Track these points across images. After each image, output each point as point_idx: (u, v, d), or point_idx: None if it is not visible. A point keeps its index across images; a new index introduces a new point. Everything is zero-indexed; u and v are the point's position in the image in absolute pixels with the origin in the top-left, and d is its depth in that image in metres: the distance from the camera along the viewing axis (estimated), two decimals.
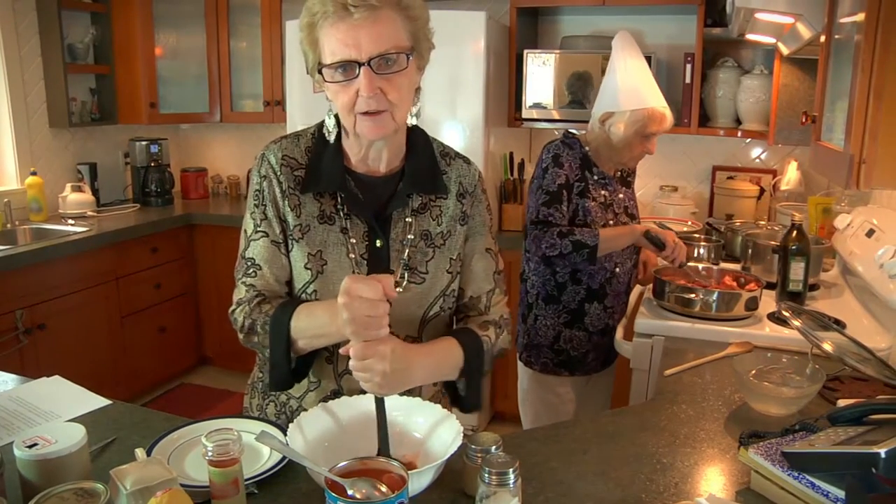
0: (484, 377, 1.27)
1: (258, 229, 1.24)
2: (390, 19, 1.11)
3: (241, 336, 1.25)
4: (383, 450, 1.07)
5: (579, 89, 3.21)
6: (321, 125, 1.27)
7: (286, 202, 1.22)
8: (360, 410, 1.16)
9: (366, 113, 1.13)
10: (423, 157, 1.28)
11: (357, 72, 1.10)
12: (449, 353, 1.21)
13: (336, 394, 1.29)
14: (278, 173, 1.23)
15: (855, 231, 2.06)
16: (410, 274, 1.25)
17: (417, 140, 1.29)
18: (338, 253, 1.23)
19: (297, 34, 1.16)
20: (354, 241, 1.23)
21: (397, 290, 1.20)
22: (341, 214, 1.23)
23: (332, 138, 1.24)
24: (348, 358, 1.14)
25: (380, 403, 1.09)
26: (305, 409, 1.29)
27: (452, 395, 1.31)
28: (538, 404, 2.27)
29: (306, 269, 1.23)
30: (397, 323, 1.18)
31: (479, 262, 1.32)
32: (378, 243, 1.23)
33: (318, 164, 1.23)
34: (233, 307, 1.26)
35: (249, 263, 1.25)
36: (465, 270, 1.32)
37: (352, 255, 1.23)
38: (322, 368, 1.28)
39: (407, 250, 1.25)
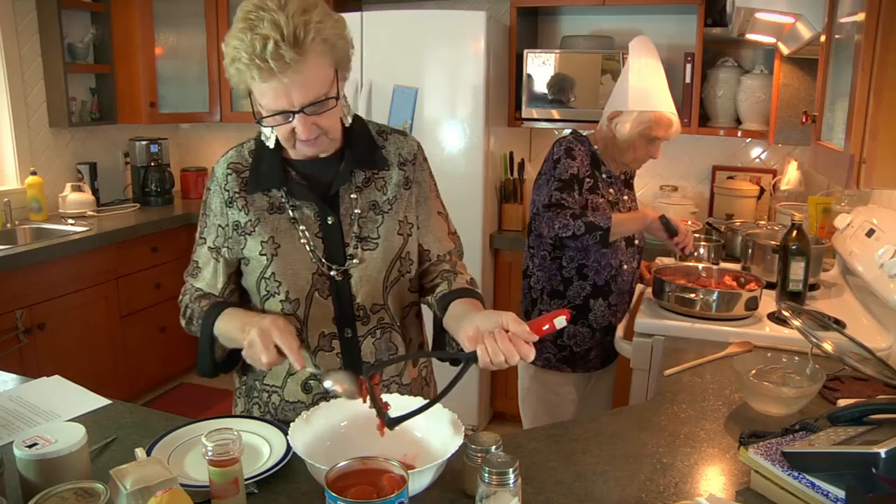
0: None
1: (201, 236, 1.38)
2: (314, 65, 1.14)
3: (182, 322, 1.39)
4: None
5: (560, 89, 3.22)
6: (260, 133, 1.34)
7: (235, 204, 1.32)
8: (360, 410, 1.16)
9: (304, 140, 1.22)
10: (360, 137, 1.34)
11: (291, 117, 1.17)
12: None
13: (314, 375, 1.33)
14: (223, 182, 1.33)
15: (855, 231, 2.06)
16: (364, 243, 1.32)
17: (353, 124, 1.34)
18: (291, 236, 1.30)
19: (224, 60, 1.18)
20: (304, 227, 1.30)
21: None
22: (288, 205, 1.31)
23: (270, 143, 1.31)
24: (320, 336, 1.30)
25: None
26: (288, 402, 1.36)
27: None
28: (538, 403, 2.27)
29: (261, 255, 1.31)
30: (364, 292, 1.32)
31: (435, 223, 1.42)
32: (329, 220, 1.31)
33: (259, 166, 1.32)
34: (180, 296, 1.41)
35: (194, 265, 1.40)
36: (425, 233, 1.40)
37: (303, 241, 1.30)
38: None
39: (356, 223, 1.31)
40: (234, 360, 1.37)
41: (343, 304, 1.31)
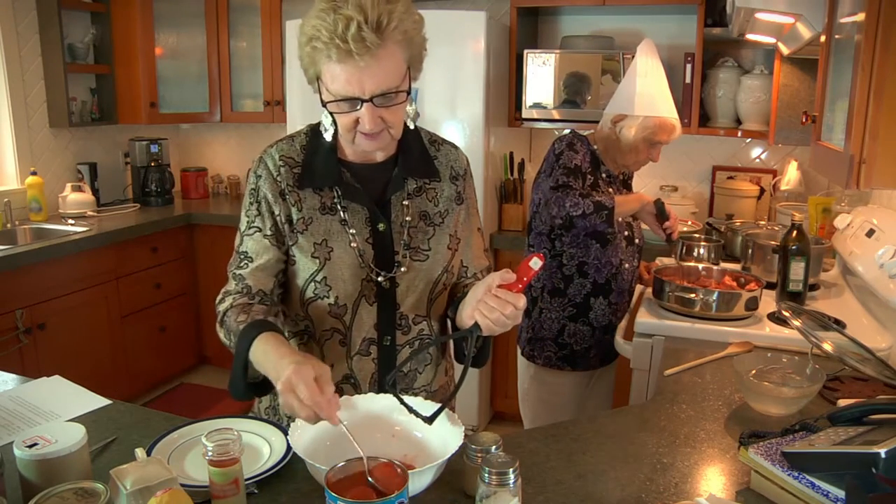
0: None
1: (251, 225, 1.29)
2: (391, 55, 1.13)
3: (219, 331, 1.27)
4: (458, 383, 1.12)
5: (576, 89, 3.22)
6: (313, 125, 1.32)
7: (287, 198, 1.27)
8: (360, 410, 1.16)
9: (367, 132, 1.18)
10: (414, 145, 1.33)
11: (359, 105, 1.15)
12: None
13: (348, 378, 1.31)
14: (275, 173, 1.27)
15: (855, 231, 2.06)
16: (413, 253, 1.30)
17: (408, 130, 1.32)
18: (342, 240, 1.27)
19: (298, 41, 1.18)
20: (354, 230, 1.27)
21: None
22: (339, 206, 1.27)
23: (328, 135, 1.26)
24: (362, 340, 1.27)
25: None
26: None
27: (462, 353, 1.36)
28: (538, 403, 2.27)
29: (313, 258, 1.26)
30: (409, 302, 1.30)
31: (475, 241, 1.43)
32: (381, 227, 1.28)
33: (313, 161, 1.28)
34: (220, 297, 1.29)
35: (242, 257, 1.29)
36: (466, 249, 1.40)
37: (353, 245, 1.27)
38: (335, 351, 1.31)
39: (406, 231, 1.29)
40: (269, 384, 1.19)
41: (386, 312, 1.29)
